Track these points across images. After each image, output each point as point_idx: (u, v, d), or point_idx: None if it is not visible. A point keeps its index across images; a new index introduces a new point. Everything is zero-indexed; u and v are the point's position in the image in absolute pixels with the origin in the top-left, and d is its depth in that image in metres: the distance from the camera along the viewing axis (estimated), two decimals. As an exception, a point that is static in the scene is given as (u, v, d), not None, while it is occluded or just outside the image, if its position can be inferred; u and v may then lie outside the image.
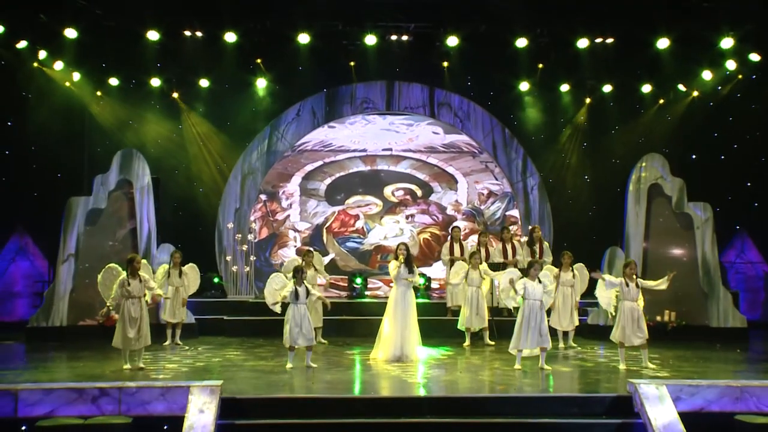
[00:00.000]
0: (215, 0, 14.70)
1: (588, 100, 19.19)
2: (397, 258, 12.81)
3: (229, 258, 18.18)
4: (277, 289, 12.04)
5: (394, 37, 16.65)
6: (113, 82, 18.16)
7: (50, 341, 14.71)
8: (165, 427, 9.15)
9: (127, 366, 11.52)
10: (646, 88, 18.77)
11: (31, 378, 10.63)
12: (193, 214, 18.94)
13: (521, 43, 16.61)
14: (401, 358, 12.49)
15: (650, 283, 12.37)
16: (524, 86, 18.72)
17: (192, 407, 8.97)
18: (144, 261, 12.77)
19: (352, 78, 18.40)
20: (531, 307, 11.84)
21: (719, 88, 18.35)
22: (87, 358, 12.69)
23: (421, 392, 10.30)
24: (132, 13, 14.86)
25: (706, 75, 17.84)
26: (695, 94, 18.68)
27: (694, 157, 19.16)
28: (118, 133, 18.50)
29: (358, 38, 16.46)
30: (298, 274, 12.01)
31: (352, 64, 17.84)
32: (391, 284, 13.26)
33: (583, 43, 17.06)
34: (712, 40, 16.43)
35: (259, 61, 17.40)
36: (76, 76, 17.60)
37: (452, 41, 16.47)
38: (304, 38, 16.14)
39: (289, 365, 11.83)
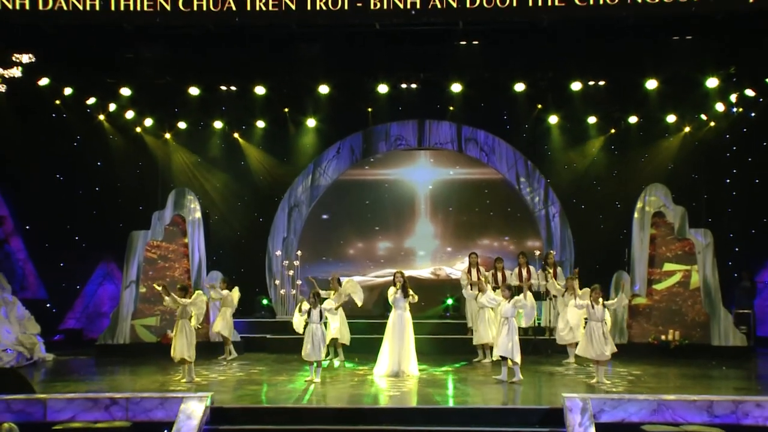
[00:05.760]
0: (246, 59, 16.77)
1: (612, 131, 20.16)
2: (395, 285, 14.48)
3: (277, 282, 19.98)
4: (300, 312, 13.81)
5: (403, 86, 18.37)
6: (182, 125, 20.49)
7: (116, 356, 16.87)
8: (165, 431, 11.11)
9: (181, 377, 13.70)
10: (671, 118, 19.57)
11: (80, 389, 12.71)
12: (252, 243, 20.91)
13: (520, 87, 17.99)
14: (398, 374, 14.02)
15: (611, 303, 13.71)
16: (553, 119, 19.74)
17: (181, 414, 10.88)
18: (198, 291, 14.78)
19: (368, 122, 20.22)
20: (503, 322, 13.60)
21: (752, 114, 19.01)
22: (140, 373, 14.78)
23: (382, 404, 11.91)
24: (176, 72, 17.13)
25: (719, 107, 18.63)
26: (712, 124, 19.47)
27: (728, 180, 20.04)
28: (189, 171, 20.90)
29: (373, 87, 18.08)
30: (314, 298, 13.82)
31: (369, 110, 19.65)
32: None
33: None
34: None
35: (286, 110, 19.48)
36: (149, 121, 19.97)
37: (456, 87, 17.94)
38: (324, 89, 18.01)
39: (315, 378, 13.50)
